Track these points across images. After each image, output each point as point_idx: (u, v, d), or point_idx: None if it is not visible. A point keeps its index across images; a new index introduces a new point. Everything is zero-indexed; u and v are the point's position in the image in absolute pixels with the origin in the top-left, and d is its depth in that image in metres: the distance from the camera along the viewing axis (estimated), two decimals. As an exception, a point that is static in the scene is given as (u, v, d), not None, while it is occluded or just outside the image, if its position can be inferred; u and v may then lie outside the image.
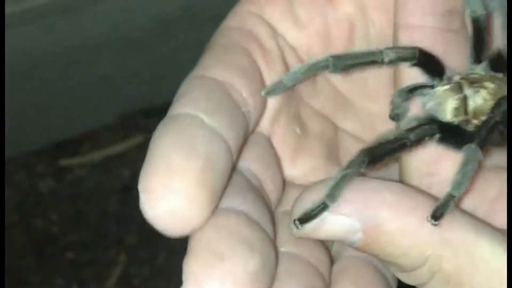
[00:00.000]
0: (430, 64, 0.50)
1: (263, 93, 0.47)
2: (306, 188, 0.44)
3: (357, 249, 0.44)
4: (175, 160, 0.40)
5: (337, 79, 0.54)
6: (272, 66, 0.50)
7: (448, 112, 0.49)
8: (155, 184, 0.39)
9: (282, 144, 0.50)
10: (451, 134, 0.47)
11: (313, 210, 0.41)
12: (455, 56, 0.52)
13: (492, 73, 0.51)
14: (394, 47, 0.49)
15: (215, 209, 0.41)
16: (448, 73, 0.50)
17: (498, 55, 0.52)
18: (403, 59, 0.48)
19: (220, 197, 0.42)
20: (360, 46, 0.54)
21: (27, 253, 1.31)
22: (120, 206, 1.36)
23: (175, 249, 1.29)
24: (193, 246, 0.40)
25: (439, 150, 0.50)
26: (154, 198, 0.39)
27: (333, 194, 0.41)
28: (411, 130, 0.45)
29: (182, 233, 0.39)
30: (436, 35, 0.51)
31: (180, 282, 0.43)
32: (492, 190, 0.48)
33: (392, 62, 0.48)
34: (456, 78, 0.50)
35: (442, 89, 0.49)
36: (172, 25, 1.26)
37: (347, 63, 0.48)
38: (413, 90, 0.49)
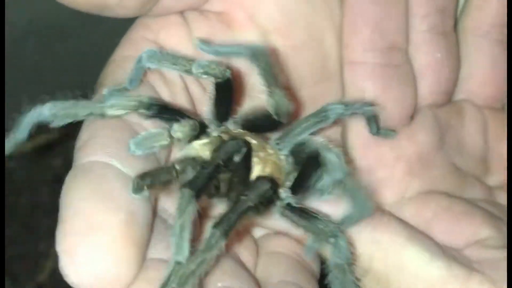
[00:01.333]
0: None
1: None
2: None
3: None
4: (96, 215, 0.37)
5: None
6: (177, 98, 0.50)
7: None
8: (77, 244, 0.36)
9: None
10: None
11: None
12: (394, 90, 0.53)
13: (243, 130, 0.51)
14: (186, 121, 0.46)
15: (143, 262, 0.39)
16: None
17: (247, 116, 0.52)
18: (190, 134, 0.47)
19: (147, 248, 0.40)
20: None
21: (-44, 249, 1.27)
22: (51, 198, 1.33)
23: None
24: None
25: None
26: (77, 260, 0.36)
27: (181, 247, 0.39)
28: (220, 155, 0.45)
29: None
30: (376, 70, 0.52)
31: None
32: (428, 211, 0.50)
33: (180, 140, 0.46)
34: (215, 132, 0.49)
35: (199, 143, 0.48)
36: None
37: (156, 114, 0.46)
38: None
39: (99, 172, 0.40)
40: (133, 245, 0.38)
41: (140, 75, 0.48)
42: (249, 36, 0.54)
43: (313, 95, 0.56)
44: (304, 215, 0.46)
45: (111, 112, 0.45)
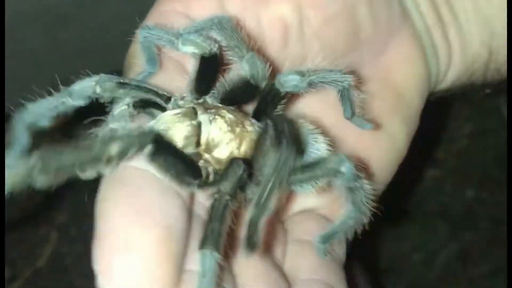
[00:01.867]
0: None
1: None
2: None
3: None
4: (133, 232, 0.36)
5: None
6: None
7: (178, 140, 0.45)
8: (114, 264, 0.36)
9: None
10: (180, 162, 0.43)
11: None
12: None
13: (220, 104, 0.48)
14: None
15: (179, 276, 0.38)
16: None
17: (225, 87, 0.50)
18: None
19: (183, 258, 0.39)
20: (295, 47, 0.53)
21: (-46, 235, 1.27)
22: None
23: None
24: None
25: None
26: (113, 281, 0.36)
27: None
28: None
29: None
30: None
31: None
32: None
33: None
34: (190, 104, 0.47)
35: (170, 113, 0.46)
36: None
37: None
38: (144, 106, 0.46)
39: (135, 182, 0.39)
40: (170, 262, 0.37)
41: (152, 55, 0.47)
42: (283, 7, 0.52)
43: (345, 65, 0.55)
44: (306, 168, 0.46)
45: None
